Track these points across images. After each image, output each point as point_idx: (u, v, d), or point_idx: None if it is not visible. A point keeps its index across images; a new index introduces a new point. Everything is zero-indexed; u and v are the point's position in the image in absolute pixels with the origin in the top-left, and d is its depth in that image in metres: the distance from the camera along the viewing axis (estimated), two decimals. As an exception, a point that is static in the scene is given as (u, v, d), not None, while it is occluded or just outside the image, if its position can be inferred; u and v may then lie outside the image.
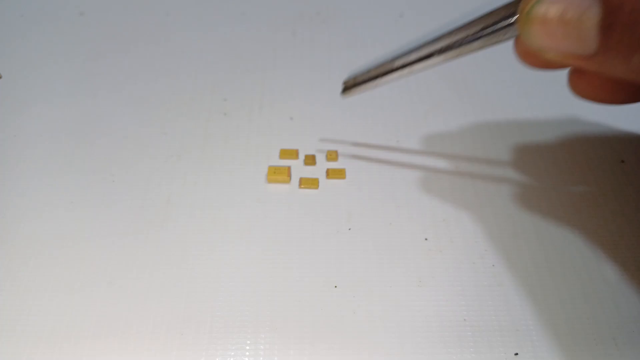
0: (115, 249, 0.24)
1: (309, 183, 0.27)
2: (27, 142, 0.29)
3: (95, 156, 0.28)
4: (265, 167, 0.28)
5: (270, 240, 0.25)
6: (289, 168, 0.27)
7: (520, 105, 0.31)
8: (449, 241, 0.25)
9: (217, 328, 0.22)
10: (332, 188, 0.27)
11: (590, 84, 0.24)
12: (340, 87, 0.25)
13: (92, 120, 0.31)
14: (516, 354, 0.21)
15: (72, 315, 0.22)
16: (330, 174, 0.27)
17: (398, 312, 0.22)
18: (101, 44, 0.36)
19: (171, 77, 0.33)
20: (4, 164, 0.28)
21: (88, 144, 0.29)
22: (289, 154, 0.28)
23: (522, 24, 0.18)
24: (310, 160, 0.28)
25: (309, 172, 0.28)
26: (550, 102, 0.31)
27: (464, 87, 0.32)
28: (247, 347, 0.21)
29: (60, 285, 0.23)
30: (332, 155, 0.28)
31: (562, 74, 0.21)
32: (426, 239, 0.25)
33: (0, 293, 0.23)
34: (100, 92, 0.32)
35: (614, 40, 0.16)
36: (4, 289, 0.23)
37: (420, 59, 0.22)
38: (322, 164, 0.28)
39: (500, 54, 0.26)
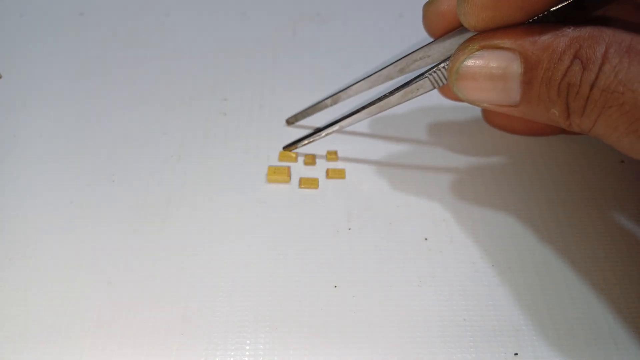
0: (115, 249, 0.24)
1: (308, 183, 0.27)
2: (27, 142, 0.29)
3: (95, 156, 0.28)
4: (265, 167, 0.28)
5: (270, 240, 0.25)
6: (289, 168, 0.27)
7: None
8: (449, 241, 0.25)
9: (217, 328, 0.22)
10: (332, 188, 0.27)
11: (502, 117, 0.26)
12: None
13: (92, 120, 0.31)
14: (516, 354, 0.21)
15: (72, 315, 0.22)
16: (330, 174, 0.27)
17: (398, 312, 0.22)
18: (101, 44, 0.36)
19: (171, 77, 0.33)
20: (3, 164, 0.28)
21: (88, 144, 0.29)
22: (289, 156, 0.28)
23: (453, 80, 0.20)
24: (310, 160, 0.28)
25: (309, 172, 0.28)
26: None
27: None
28: (247, 347, 0.21)
29: (60, 285, 0.23)
30: (332, 155, 0.28)
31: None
32: (426, 239, 0.25)
33: (0, 293, 0.23)
34: (100, 92, 0.32)
35: (534, 95, 0.19)
36: (3, 288, 0.23)
37: (346, 116, 0.25)
38: (322, 164, 0.28)
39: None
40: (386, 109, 0.24)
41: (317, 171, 0.28)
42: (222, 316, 0.22)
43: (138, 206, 0.26)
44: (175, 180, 0.27)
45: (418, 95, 0.23)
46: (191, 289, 0.23)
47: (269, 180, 0.27)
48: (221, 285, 0.23)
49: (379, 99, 0.24)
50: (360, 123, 0.29)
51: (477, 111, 0.31)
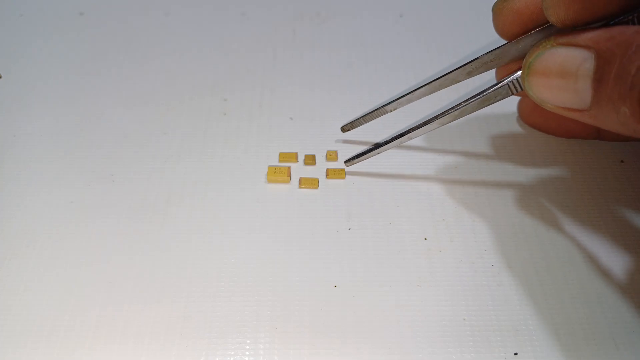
0: (115, 249, 0.24)
1: (308, 183, 0.27)
2: (27, 142, 0.29)
3: (95, 156, 0.28)
4: (265, 167, 0.28)
5: (270, 240, 0.25)
6: (289, 168, 0.27)
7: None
8: (448, 241, 0.25)
9: (217, 328, 0.22)
10: (332, 188, 0.27)
11: (539, 115, 0.25)
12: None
13: (92, 120, 0.31)
14: (516, 353, 0.21)
15: (72, 315, 0.22)
16: (330, 174, 0.27)
17: (398, 312, 0.22)
18: (101, 44, 0.36)
19: (171, 77, 0.33)
20: (3, 164, 0.28)
21: (88, 144, 0.29)
22: (288, 157, 0.28)
23: (525, 75, 0.20)
24: (310, 160, 0.28)
25: (309, 172, 0.28)
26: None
27: (465, 88, 0.32)
28: (247, 347, 0.21)
29: (60, 285, 0.23)
30: (332, 155, 0.28)
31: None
32: (426, 239, 0.25)
33: (0, 293, 0.23)
34: (100, 92, 0.32)
35: (605, 93, 0.17)
36: (3, 288, 0.23)
37: (417, 127, 0.24)
38: (322, 164, 0.28)
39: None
40: (460, 118, 0.23)
41: (317, 171, 0.28)
42: (222, 316, 0.22)
43: (138, 206, 0.26)
44: (175, 180, 0.27)
45: (495, 102, 0.22)
46: (191, 289, 0.23)
47: (269, 180, 0.27)
48: (221, 285, 0.23)
49: (453, 108, 0.23)
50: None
51: (477, 112, 0.31)
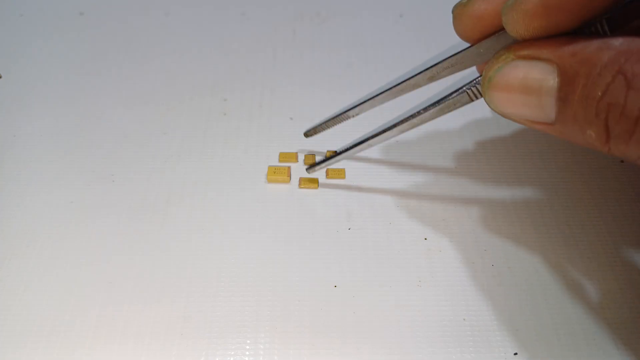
0: (115, 249, 0.24)
1: (308, 183, 0.27)
2: (27, 142, 0.29)
3: (95, 156, 0.28)
4: (265, 167, 0.28)
5: (270, 240, 0.25)
6: (289, 168, 0.27)
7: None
8: (448, 241, 0.25)
9: (217, 328, 0.22)
10: (332, 188, 0.27)
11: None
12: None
13: (92, 120, 0.31)
14: (515, 353, 0.21)
15: (72, 315, 0.22)
16: (330, 174, 0.27)
17: (398, 312, 0.22)
18: (101, 44, 0.36)
19: (171, 77, 0.33)
20: (3, 164, 0.28)
21: (88, 144, 0.29)
22: (289, 157, 0.28)
23: (485, 89, 0.19)
24: (310, 160, 0.28)
25: (309, 172, 0.28)
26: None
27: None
28: (247, 347, 0.21)
29: (60, 285, 0.23)
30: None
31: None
32: (426, 239, 0.25)
33: (0, 293, 0.23)
34: (100, 92, 0.32)
35: (569, 113, 0.17)
36: (3, 288, 0.23)
37: (376, 135, 0.24)
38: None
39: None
40: (419, 125, 0.23)
41: (317, 171, 0.28)
42: (222, 316, 0.22)
43: (138, 206, 0.26)
44: (175, 180, 0.27)
45: (454, 110, 0.22)
46: (191, 289, 0.23)
47: (269, 180, 0.27)
48: (221, 285, 0.23)
49: (412, 116, 0.23)
50: (360, 124, 0.29)
51: (477, 111, 0.31)
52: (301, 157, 0.28)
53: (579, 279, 0.23)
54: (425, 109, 0.22)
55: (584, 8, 0.16)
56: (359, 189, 0.27)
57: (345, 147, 0.25)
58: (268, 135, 0.30)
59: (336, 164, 0.28)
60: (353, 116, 0.26)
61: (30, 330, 0.21)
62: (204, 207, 0.26)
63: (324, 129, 0.27)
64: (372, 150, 0.28)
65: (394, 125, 0.23)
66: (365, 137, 0.24)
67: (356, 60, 0.34)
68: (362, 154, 0.28)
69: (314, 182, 0.27)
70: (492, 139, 0.29)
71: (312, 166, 0.27)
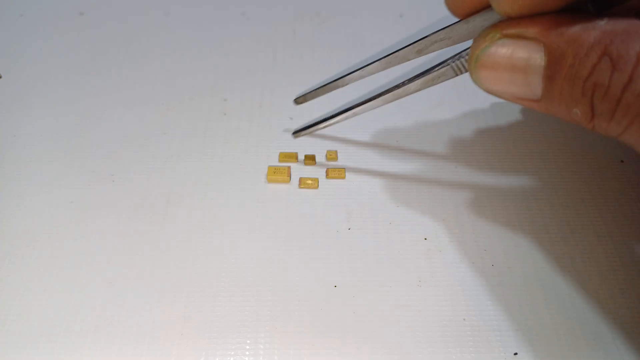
0: (115, 248, 0.24)
1: (308, 183, 0.27)
2: (27, 142, 0.29)
3: (95, 156, 0.28)
4: (265, 167, 0.28)
5: (270, 240, 0.25)
6: (289, 168, 0.27)
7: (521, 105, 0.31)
8: (448, 241, 0.25)
9: (217, 328, 0.22)
10: (332, 188, 0.27)
11: None
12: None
13: (92, 120, 0.31)
14: (515, 353, 0.21)
15: (72, 315, 0.22)
16: (330, 173, 0.27)
17: (398, 312, 0.22)
18: (101, 44, 0.36)
19: (171, 77, 0.33)
20: (3, 164, 0.28)
21: (88, 144, 0.29)
22: (289, 157, 0.28)
23: (472, 67, 0.19)
24: (310, 160, 0.28)
25: (309, 172, 0.28)
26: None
27: (464, 87, 0.32)
28: (247, 347, 0.21)
29: (61, 285, 0.23)
30: (332, 155, 0.28)
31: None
32: (426, 239, 0.25)
33: (0, 293, 0.23)
34: (100, 92, 0.32)
35: (555, 91, 0.17)
36: (3, 288, 0.23)
37: (361, 103, 0.24)
38: (322, 164, 0.28)
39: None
40: (404, 96, 0.23)
41: (317, 171, 0.28)
42: (222, 316, 0.22)
43: (138, 206, 0.26)
44: (175, 180, 0.27)
45: (439, 83, 0.22)
46: (191, 289, 0.23)
47: (269, 180, 0.27)
48: (221, 285, 0.23)
49: (397, 86, 0.23)
50: (360, 124, 0.29)
51: (477, 111, 0.31)
52: (301, 157, 0.28)
53: (579, 279, 0.23)
54: (410, 80, 0.22)
55: None
56: (359, 189, 0.27)
57: (331, 114, 0.26)
58: (268, 135, 0.30)
59: (335, 164, 0.28)
60: (342, 85, 0.26)
61: (30, 330, 0.21)
62: (204, 207, 0.26)
63: (313, 97, 0.27)
64: (372, 150, 0.29)
65: (379, 95, 0.23)
66: (350, 105, 0.25)
67: (356, 60, 0.34)
68: (362, 154, 0.28)
69: (314, 182, 0.27)
70: (492, 139, 0.29)
71: (298, 131, 0.27)
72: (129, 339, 0.21)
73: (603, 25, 0.16)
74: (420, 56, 0.22)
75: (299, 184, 0.27)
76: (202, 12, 0.39)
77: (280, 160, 0.28)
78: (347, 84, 0.25)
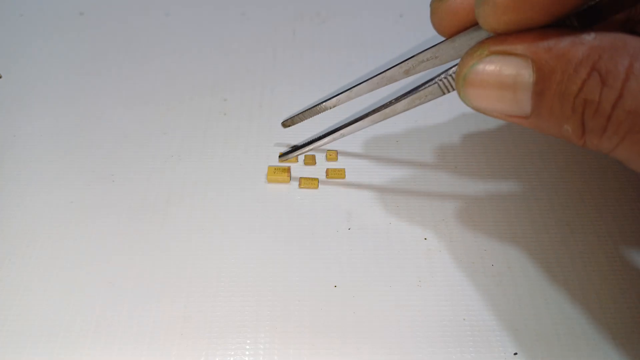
0: (115, 249, 0.24)
1: (308, 183, 0.27)
2: (27, 142, 0.29)
3: (95, 156, 0.28)
4: (265, 167, 0.28)
5: (270, 240, 0.25)
6: (289, 168, 0.27)
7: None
8: (448, 241, 0.25)
9: (217, 328, 0.22)
10: (332, 188, 0.27)
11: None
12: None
13: (92, 120, 0.31)
14: (515, 353, 0.21)
15: (72, 315, 0.22)
16: (330, 174, 0.27)
17: (398, 312, 0.22)
18: (101, 44, 0.36)
19: (171, 77, 0.33)
20: (3, 164, 0.28)
21: (88, 144, 0.29)
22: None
23: (460, 86, 0.19)
24: (310, 160, 0.28)
25: (309, 172, 0.28)
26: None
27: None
28: (247, 347, 0.21)
29: (61, 285, 0.23)
30: (332, 155, 0.28)
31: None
32: (426, 239, 0.25)
33: (0, 293, 0.23)
34: (100, 92, 0.32)
35: (545, 108, 0.17)
36: (3, 288, 0.23)
37: (349, 124, 0.24)
38: (322, 164, 0.28)
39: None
40: (391, 116, 0.23)
41: (317, 171, 0.28)
42: (222, 316, 0.22)
43: (138, 206, 0.26)
44: (175, 180, 0.27)
45: (426, 102, 0.22)
46: (191, 289, 0.23)
47: (269, 180, 0.27)
48: (221, 285, 0.23)
49: (384, 106, 0.23)
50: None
51: (476, 112, 0.31)
52: (301, 157, 0.28)
53: (579, 278, 0.23)
54: (397, 99, 0.22)
55: (554, 4, 0.16)
56: (359, 189, 0.27)
57: (318, 136, 0.25)
58: (268, 135, 0.30)
59: (335, 164, 0.28)
60: (330, 107, 0.25)
61: (30, 330, 0.21)
62: (204, 207, 0.26)
63: (301, 120, 0.27)
64: (372, 151, 0.29)
65: (366, 115, 0.23)
66: (338, 126, 0.24)
67: (356, 60, 0.34)
68: (362, 154, 0.28)
69: (314, 182, 0.27)
70: (492, 139, 0.29)
71: (285, 154, 0.27)
72: (129, 339, 0.21)
73: (591, 40, 0.16)
74: (408, 76, 0.22)
75: (299, 184, 0.27)
76: (202, 12, 0.39)
77: (280, 160, 0.28)
78: (335, 106, 0.25)
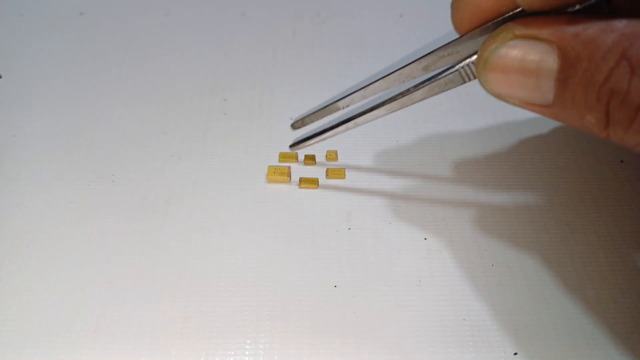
0: (115, 248, 0.24)
1: (308, 183, 0.27)
2: (27, 142, 0.29)
3: (95, 156, 0.28)
4: (265, 167, 0.28)
5: (270, 240, 0.25)
6: (289, 168, 0.27)
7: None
8: (448, 241, 0.25)
9: (217, 328, 0.22)
10: (332, 188, 0.27)
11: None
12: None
13: (92, 120, 0.31)
14: (515, 353, 0.21)
15: (72, 315, 0.22)
16: (330, 173, 0.27)
17: (398, 312, 0.22)
18: (101, 44, 0.36)
19: (171, 77, 0.33)
20: (3, 164, 0.28)
21: (88, 144, 0.29)
22: (289, 157, 0.28)
23: (480, 70, 0.18)
24: (310, 160, 0.28)
25: (309, 172, 0.28)
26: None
27: (465, 87, 0.32)
28: (247, 347, 0.21)
29: (60, 285, 0.23)
30: (332, 155, 0.28)
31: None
32: (426, 239, 0.25)
33: (0, 293, 0.23)
34: (100, 92, 0.32)
35: (568, 97, 0.16)
36: (3, 288, 0.23)
37: (363, 112, 0.23)
38: (322, 164, 0.28)
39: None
40: (409, 105, 0.22)
41: (317, 171, 0.28)
42: (222, 316, 0.22)
43: (138, 206, 0.26)
44: (175, 180, 0.27)
45: (446, 90, 0.21)
46: (191, 289, 0.23)
47: (269, 180, 0.27)
48: (221, 285, 0.23)
49: (401, 94, 0.21)
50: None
51: (477, 111, 0.31)
52: (301, 157, 0.28)
53: (579, 278, 0.23)
54: (415, 87, 0.21)
55: None
56: (359, 189, 0.27)
57: (331, 125, 0.24)
58: (268, 135, 0.30)
59: (335, 164, 0.28)
60: (343, 107, 0.24)
61: (30, 330, 0.21)
62: (204, 207, 0.26)
63: (312, 121, 0.25)
64: (372, 151, 0.29)
65: (382, 104, 0.22)
66: (352, 114, 0.23)
67: (356, 60, 0.34)
68: (362, 154, 0.28)
69: (314, 182, 0.27)
70: (492, 139, 0.29)
71: (296, 143, 0.26)
72: (129, 339, 0.21)
73: (622, 27, 0.15)
74: (427, 73, 0.21)
75: (299, 184, 0.27)
76: (202, 12, 0.39)
77: (280, 160, 0.28)
78: (348, 106, 0.24)
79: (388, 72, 0.22)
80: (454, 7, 0.20)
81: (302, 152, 0.28)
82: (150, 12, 0.38)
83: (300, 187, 0.27)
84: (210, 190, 0.27)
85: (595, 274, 0.23)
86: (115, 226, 0.25)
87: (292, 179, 0.27)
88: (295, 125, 0.26)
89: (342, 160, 0.28)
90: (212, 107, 0.31)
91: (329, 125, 0.24)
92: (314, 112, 0.25)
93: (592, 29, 0.15)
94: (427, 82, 0.21)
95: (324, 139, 0.25)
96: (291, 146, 0.26)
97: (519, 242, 0.24)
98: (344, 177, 0.27)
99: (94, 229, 0.25)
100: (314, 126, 0.27)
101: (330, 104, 0.24)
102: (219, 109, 0.31)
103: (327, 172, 0.27)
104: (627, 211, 0.26)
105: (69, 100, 0.32)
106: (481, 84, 0.18)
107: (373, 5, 0.39)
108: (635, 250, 0.24)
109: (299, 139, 0.26)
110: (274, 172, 0.27)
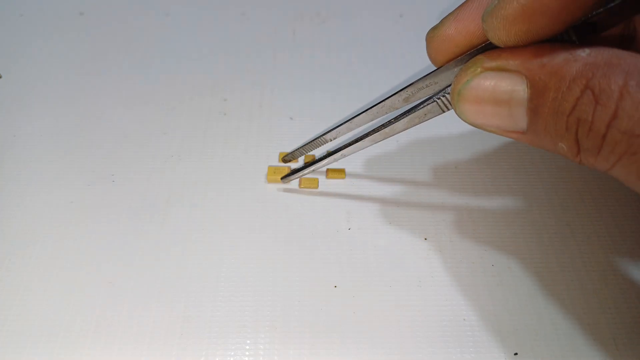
0: (115, 248, 0.24)
1: (309, 183, 0.27)
2: (27, 142, 0.29)
3: (95, 156, 0.28)
4: (265, 167, 0.28)
5: (270, 240, 0.25)
6: (289, 168, 0.27)
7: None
8: (448, 241, 0.25)
9: (217, 328, 0.22)
10: (332, 188, 0.27)
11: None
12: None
13: (92, 120, 0.31)
14: (516, 353, 0.21)
15: (72, 316, 0.22)
16: (330, 173, 0.27)
17: (398, 312, 0.22)
18: (101, 44, 0.36)
19: (171, 77, 0.33)
20: (3, 164, 0.28)
21: (88, 144, 0.29)
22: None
23: (455, 102, 0.19)
24: (310, 159, 0.28)
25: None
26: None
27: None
28: (247, 347, 0.21)
29: (60, 285, 0.23)
30: (332, 155, 0.28)
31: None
32: (426, 239, 0.25)
33: (0, 293, 0.23)
34: (100, 92, 0.32)
35: (540, 125, 0.17)
36: (3, 288, 0.23)
37: (349, 144, 0.24)
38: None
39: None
40: (391, 135, 0.23)
41: (317, 171, 0.28)
42: (222, 316, 0.22)
43: (138, 206, 0.26)
44: (175, 180, 0.27)
45: (426, 120, 0.22)
46: (191, 289, 0.23)
47: (269, 180, 0.27)
48: (221, 285, 0.23)
49: (384, 125, 0.23)
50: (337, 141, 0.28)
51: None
52: (301, 157, 0.28)
53: (579, 278, 0.23)
54: (396, 119, 0.22)
55: (564, 11, 0.15)
56: (359, 189, 0.27)
57: (319, 158, 0.25)
58: (268, 135, 0.30)
59: (335, 164, 0.28)
60: (330, 140, 0.25)
61: (30, 330, 0.21)
62: (204, 207, 0.26)
63: (301, 154, 0.27)
64: (372, 151, 0.28)
65: (367, 135, 0.23)
66: (339, 147, 0.24)
67: (356, 60, 0.34)
68: (362, 154, 0.28)
69: (314, 182, 0.27)
70: (492, 138, 0.29)
71: (286, 176, 0.27)
72: (129, 339, 0.21)
73: (585, 56, 0.15)
74: (408, 104, 0.22)
75: (299, 184, 0.27)
76: (202, 12, 0.39)
77: (280, 160, 0.28)
78: (335, 138, 0.25)
79: (371, 105, 0.23)
80: (429, 41, 0.21)
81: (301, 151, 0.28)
82: (150, 12, 0.38)
83: (300, 187, 0.27)
84: (210, 190, 0.27)
85: (595, 274, 0.23)
86: (115, 226, 0.25)
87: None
88: (285, 159, 0.27)
89: (342, 160, 0.28)
90: (212, 107, 0.31)
91: (318, 157, 0.26)
92: (304, 146, 0.26)
93: (557, 59, 0.16)
94: (407, 113, 0.22)
95: (313, 170, 0.26)
96: (282, 178, 0.27)
97: (519, 242, 0.24)
98: (344, 177, 0.27)
99: (94, 229, 0.25)
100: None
101: (319, 137, 0.25)
102: (219, 109, 0.31)
103: (327, 172, 0.27)
104: (627, 211, 0.26)
105: (69, 100, 0.32)
106: (458, 115, 0.19)
107: (373, 5, 0.39)
108: (635, 250, 0.24)
109: (290, 172, 0.27)
110: (274, 172, 0.27)
